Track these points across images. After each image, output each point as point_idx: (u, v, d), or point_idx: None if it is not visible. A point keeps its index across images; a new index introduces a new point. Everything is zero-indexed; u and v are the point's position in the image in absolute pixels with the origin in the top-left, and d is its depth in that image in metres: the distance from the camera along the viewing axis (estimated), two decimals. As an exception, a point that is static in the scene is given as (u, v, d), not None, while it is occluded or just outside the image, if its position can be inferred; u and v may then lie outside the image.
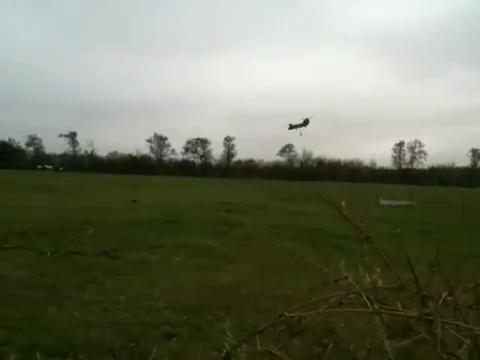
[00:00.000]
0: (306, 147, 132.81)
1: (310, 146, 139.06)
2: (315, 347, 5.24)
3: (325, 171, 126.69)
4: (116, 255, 11.06)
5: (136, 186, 47.84)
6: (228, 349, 1.45)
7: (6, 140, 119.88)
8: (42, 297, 7.57)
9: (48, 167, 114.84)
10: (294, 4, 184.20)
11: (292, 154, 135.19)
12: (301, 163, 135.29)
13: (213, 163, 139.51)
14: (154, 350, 2.18)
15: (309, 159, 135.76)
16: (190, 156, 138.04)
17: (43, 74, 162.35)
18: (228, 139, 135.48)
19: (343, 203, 1.70)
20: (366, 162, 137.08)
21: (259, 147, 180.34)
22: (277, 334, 1.53)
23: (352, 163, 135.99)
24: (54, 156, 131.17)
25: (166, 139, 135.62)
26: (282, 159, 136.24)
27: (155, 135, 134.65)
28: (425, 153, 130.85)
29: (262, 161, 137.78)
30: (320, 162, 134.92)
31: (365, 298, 1.47)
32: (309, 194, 31.62)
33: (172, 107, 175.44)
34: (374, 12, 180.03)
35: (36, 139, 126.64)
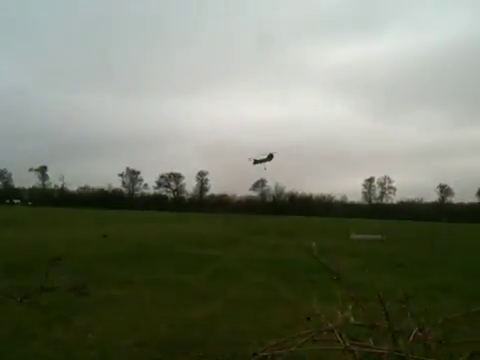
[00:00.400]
0: (278, 182, 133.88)
1: (282, 181, 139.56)
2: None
3: (297, 205, 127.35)
4: (85, 292, 10.77)
5: (107, 220, 47.05)
6: None
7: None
8: (8, 335, 7.31)
9: (16, 201, 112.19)
10: (269, 45, 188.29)
11: (265, 188, 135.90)
12: (273, 197, 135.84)
13: (186, 197, 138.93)
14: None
15: (281, 193, 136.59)
16: (163, 190, 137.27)
17: (16, 109, 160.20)
18: (201, 174, 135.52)
19: (313, 244, 1.74)
20: (337, 197, 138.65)
21: (232, 181, 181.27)
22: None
23: (324, 198, 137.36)
24: (23, 190, 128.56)
25: (138, 173, 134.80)
26: (255, 194, 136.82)
27: (127, 169, 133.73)
28: (394, 188, 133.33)
29: (235, 196, 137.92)
30: (292, 196, 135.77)
31: (337, 335, 1.49)
32: (282, 228, 31.72)
33: (146, 143, 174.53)
34: (345, 52, 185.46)
35: (5, 173, 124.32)
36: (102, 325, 8.12)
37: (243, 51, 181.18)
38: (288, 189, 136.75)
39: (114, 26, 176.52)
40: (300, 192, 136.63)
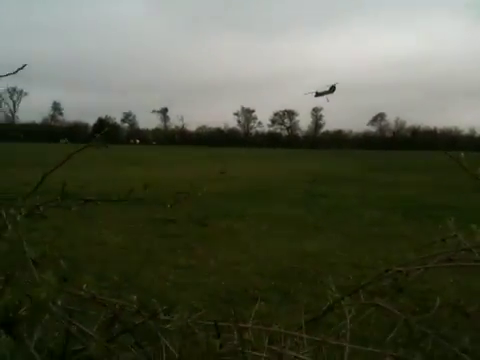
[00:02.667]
0: (399, 116, 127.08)
1: (403, 115, 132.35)
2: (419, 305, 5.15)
3: (420, 140, 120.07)
4: (206, 223, 11.44)
5: (224, 158, 48.73)
6: (331, 302, 1.41)
7: (103, 117, 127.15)
8: (138, 261, 8.06)
9: (137, 141, 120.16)
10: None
11: (384, 123, 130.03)
12: (393, 132, 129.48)
13: (300, 135, 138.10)
14: (243, 312, 2.23)
15: (402, 128, 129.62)
16: (277, 128, 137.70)
17: (141, 56, 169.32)
18: (316, 110, 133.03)
19: (462, 155, 1.54)
20: (465, 131, 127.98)
21: (349, 117, 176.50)
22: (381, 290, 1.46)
23: (450, 131, 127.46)
24: (147, 131, 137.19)
25: (253, 112, 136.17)
26: (373, 129, 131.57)
27: (242, 108, 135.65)
28: None
29: (351, 131, 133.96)
30: (414, 131, 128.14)
31: (477, 254, 1.36)
32: (403, 164, 30.26)
33: (262, 83, 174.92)
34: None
35: (130, 115, 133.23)
36: (222, 254, 8.60)
37: None
38: (409, 123, 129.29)
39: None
40: (423, 126, 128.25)
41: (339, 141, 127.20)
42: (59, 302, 1.39)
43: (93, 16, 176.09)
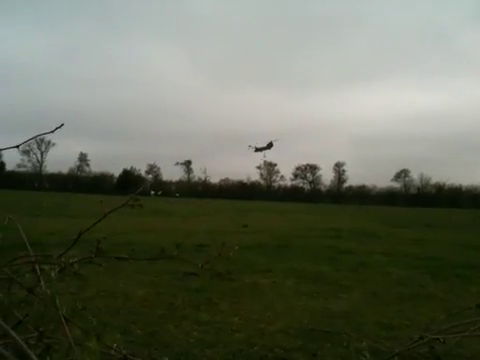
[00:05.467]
0: (423, 172, 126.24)
1: (428, 172, 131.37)
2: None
3: (445, 197, 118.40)
4: (230, 277, 11.29)
5: (247, 211, 48.75)
6: None
7: (128, 168, 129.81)
8: (161, 315, 7.96)
9: (159, 193, 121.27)
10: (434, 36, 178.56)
11: (408, 179, 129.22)
12: (418, 189, 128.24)
13: (323, 189, 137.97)
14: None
15: (427, 184, 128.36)
16: (299, 182, 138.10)
17: (168, 109, 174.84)
18: (338, 165, 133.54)
19: None
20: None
21: (372, 173, 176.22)
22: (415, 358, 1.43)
23: (475, 188, 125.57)
24: (171, 182, 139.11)
25: (275, 165, 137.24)
26: (397, 185, 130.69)
27: (265, 162, 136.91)
28: None
29: (375, 187, 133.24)
30: (439, 188, 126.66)
31: None
32: (427, 221, 29.79)
33: (286, 137, 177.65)
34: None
35: (155, 167, 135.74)
36: (246, 310, 8.44)
37: (405, 42, 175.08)
38: (434, 180, 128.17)
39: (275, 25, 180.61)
40: (448, 182, 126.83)
41: (362, 196, 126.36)
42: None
43: (122, 68, 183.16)
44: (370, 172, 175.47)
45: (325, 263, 14.54)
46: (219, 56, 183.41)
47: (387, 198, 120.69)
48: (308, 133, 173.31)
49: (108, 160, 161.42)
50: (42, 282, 1.56)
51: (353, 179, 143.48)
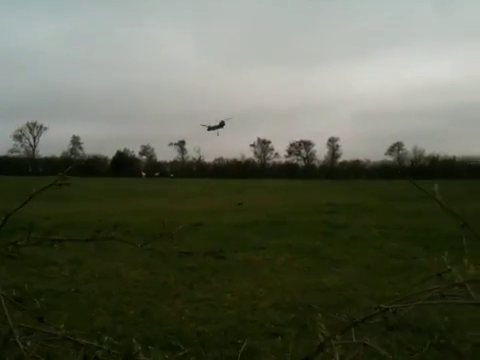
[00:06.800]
0: (417, 145, 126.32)
1: (422, 144, 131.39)
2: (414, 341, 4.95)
3: (439, 169, 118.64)
4: (222, 255, 11.34)
5: (241, 190, 48.78)
6: (321, 341, 1.39)
7: (122, 150, 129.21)
8: (154, 295, 7.99)
9: (156, 174, 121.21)
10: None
11: (402, 152, 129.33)
12: (412, 161, 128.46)
13: (317, 165, 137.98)
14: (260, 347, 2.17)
15: (420, 157, 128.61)
16: (294, 159, 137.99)
17: (161, 89, 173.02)
18: (332, 140, 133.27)
19: (436, 186, 1.55)
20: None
21: (368, 148, 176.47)
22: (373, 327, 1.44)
23: (470, 160, 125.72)
24: (165, 163, 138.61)
25: (269, 143, 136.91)
26: (391, 158, 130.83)
27: (258, 139, 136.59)
28: None
29: (369, 161, 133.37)
30: (433, 160, 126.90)
31: (469, 289, 1.32)
32: (420, 193, 29.91)
33: (280, 115, 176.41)
34: None
35: (149, 148, 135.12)
36: (239, 287, 8.49)
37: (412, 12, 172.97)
38: (428, 152, 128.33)
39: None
40: (442, 154, 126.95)
41: (357, 171, 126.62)
42: (28, 343, 1.37)
43: (131, 51, 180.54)
44: (366, 147, 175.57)
45: (319, 238, 14.61)
46: (225, 36, 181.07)
47: (382, 172, 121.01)
48: (307, 110, 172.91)
49: (102, 142, 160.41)
50: None
51: (350, 155, 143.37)
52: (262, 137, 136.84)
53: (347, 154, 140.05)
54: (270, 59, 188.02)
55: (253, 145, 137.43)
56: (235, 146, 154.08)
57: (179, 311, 7.00)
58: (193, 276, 9.20)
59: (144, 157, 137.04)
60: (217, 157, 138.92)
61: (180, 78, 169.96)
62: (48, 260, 9.89)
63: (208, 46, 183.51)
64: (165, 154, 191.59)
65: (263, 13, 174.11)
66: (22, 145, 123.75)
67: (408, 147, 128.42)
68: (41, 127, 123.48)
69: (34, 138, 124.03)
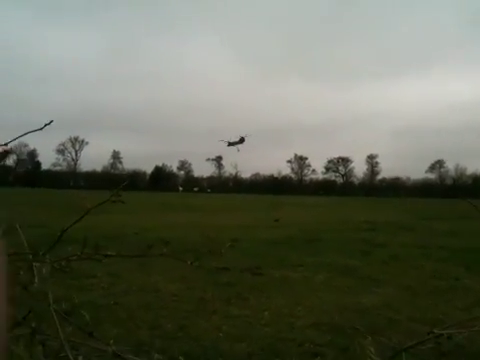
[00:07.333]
0: (459, 163, 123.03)
1: (464, 162, 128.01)
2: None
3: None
4: (259, 272, 11.26)
5: (278, 206, 48.60)
6: None
7: (160, 165, 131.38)
8: (191, 309, 8.02)
9: (195, 189, 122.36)
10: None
11: (443, 170, 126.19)
12: (453, 179, 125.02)
13: (356, 182, 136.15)
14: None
15: (462, 175, 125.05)
16: (331, 175, 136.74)
17: (198, 105, 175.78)
18: (371, 157, 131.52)
19: None
20: None
21: (406, 164, 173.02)
22: (425, 353, 1.40)
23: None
24: (202, 179, 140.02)
25: (306, 159, 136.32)
26: (432, 176, 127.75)
27: (295, 156, 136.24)
28: None
29: (409, 179, 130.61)
30: (476, 178, 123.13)
31: None
32: (463, 212, 28.98)
33: (317, 131, 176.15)
34: None
35: (186, 163, 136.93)
36: (276, 304, 8.42)
37: (446, 32, 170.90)
38: (470, 170, 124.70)
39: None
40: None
41: (396, 188, 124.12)
42: (80, 358, 1.39)
43: (161, 65, 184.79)
44: (406, 164, 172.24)
45: (357, 257, 14.36)
46: (260, 50, 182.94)
47: (422, 190, 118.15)
48: (345, 126, 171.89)
49: (140, 158, 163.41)
50: (36, 279, 1.58)
51: (388, 172, 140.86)
52: (299, 153, 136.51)
53: (386, 171, 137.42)
54: (305, 75, 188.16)
55: (290, 161, 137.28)
56: (272, 162, 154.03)
57: (216, 327, 7.00)
58: (230, 292, 9.18)
59: (182, 172, 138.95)
60: (254, 173, 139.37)
61: (216, 94, 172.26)
62: (88, 273, 10.09)
63: (245, 61, 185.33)
64: (202, 169, 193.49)
65: (298, 29, 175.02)
66: (64, 159, 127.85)
67: (449, 164, 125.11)
68: (82, 141, 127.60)
69: (76, 152, 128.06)
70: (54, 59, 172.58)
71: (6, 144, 2.00)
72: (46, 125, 2.03)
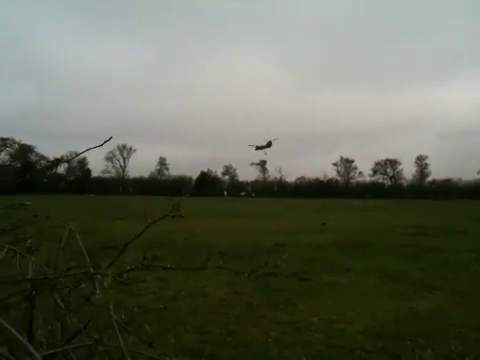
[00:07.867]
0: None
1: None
2: None
3: None
4: (307, 277, 11.15)
5: (324, 209, 48.04)
6: None
7: (205, 170, 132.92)
8: (239, 314, 8.03)
9: (242, 194, 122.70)
10: None
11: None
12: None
13: (404, 184, 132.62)
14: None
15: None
16: (379, 178, 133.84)
17: (241, 111, 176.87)
18: (420, 158, 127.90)
19: None
20: None
21: (457, 167, 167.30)
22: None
23: None
24: (247, 183, 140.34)
25: (353, 162, 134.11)
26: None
27: (341, 158, 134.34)
28: None
29: (460, 180, 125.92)
30: None
31: None
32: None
33: (363, 134, 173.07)
34: None
35: (231, 168, 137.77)
36: (325, 310, 8.30)
37: None
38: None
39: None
40: None
41: (447, 190, 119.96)
42: None
43: (207, 75, 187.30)
44: (457, 166, 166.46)
45: (408, 262, 13.97)
46: (305, 57, 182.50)
47: (474, 191, 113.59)
48: (391, 129, 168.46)
49: (186, 164, 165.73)
50: (98, 290, 1.62)
51: (438, 174, 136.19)
52: (345, 156, 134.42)
53: (435, 173, 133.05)
54: (351, 78, 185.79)
55: (336, 164, 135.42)
56: (317, 165, 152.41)
57: (265, 333, 6.97)
58: (278, 297, 9.14)
59: (226, 177, 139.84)
60: (298, 176, 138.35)
61: (259, 99, 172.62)
62: (137, 278, 10.29)
63: (288, 67, 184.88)
64: (247, 174, 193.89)
65: (346, 34, 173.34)
66: (113, 166, 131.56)
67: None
68: (130, 149, 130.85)
69: (124, 159, 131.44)
70: (101, 72, 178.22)
71: (69, 161, 2.09)
72: (105, 142, 2.12)
